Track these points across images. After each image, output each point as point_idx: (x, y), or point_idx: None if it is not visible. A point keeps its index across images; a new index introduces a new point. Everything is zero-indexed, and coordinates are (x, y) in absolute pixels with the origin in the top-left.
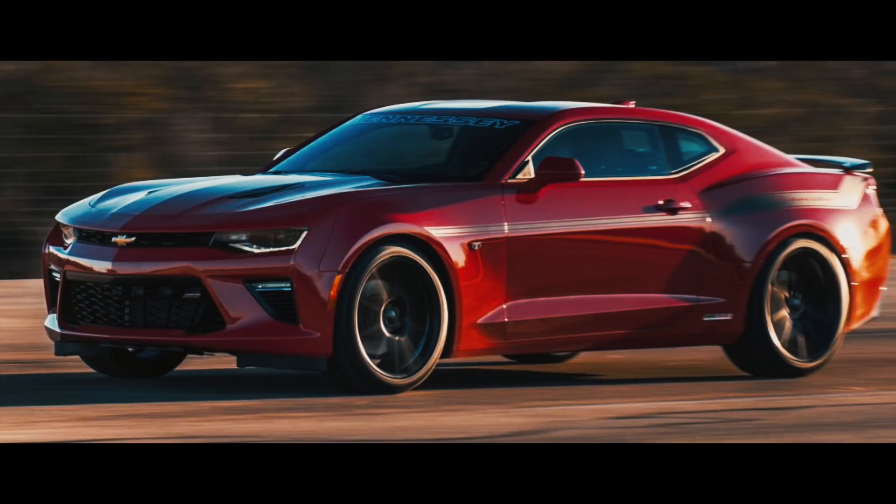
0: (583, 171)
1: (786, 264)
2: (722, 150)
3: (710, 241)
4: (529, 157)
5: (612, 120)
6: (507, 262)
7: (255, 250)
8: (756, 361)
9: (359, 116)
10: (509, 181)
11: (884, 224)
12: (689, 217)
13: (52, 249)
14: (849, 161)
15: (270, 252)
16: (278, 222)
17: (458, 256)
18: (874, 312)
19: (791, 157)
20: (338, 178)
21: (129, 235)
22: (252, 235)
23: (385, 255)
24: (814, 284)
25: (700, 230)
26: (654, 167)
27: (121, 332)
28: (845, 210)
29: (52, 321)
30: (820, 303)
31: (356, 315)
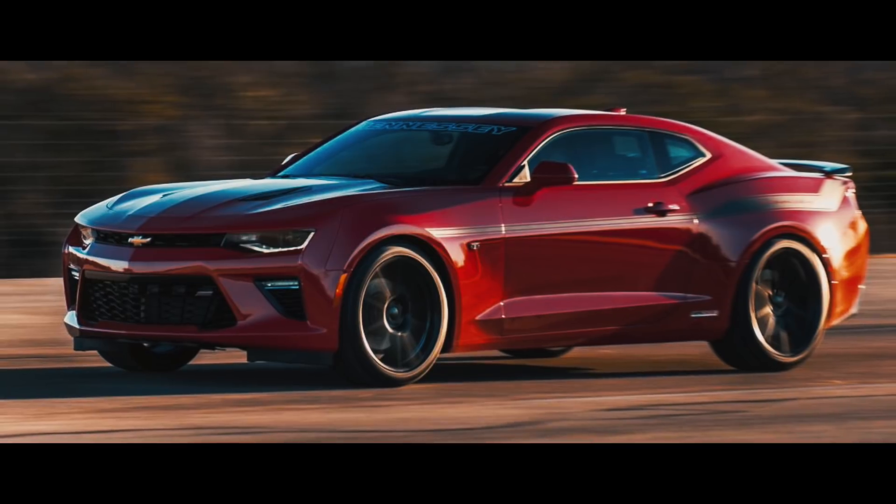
0: (576, 175)
1: (769, 264)
2: (708, 155)
3: (697, 241)
4: (525, 162)
5: (604, 126)
6: (505, 262)
7: (265, 250)
8: (741, 356)
9: (363, 123)
10: (506, 185)
11: (862, 225)
12: (677, 219)
13: (71, 249)
14: (829, 165)
15: (279, 252)
16: (286, 224)
17: (457, 256)
18: (853, 310)
19: (774, 162)
20: (343, 181)
21: (144, 236)
22: (262, 236)
23: (388, 254)
24: (796, 283)
25: (687, 231)
26: (644, 171)
27: (137, 328)
28: (826, 212)
29: (71, 318)
30: (802, 300)
31: (360, 312)
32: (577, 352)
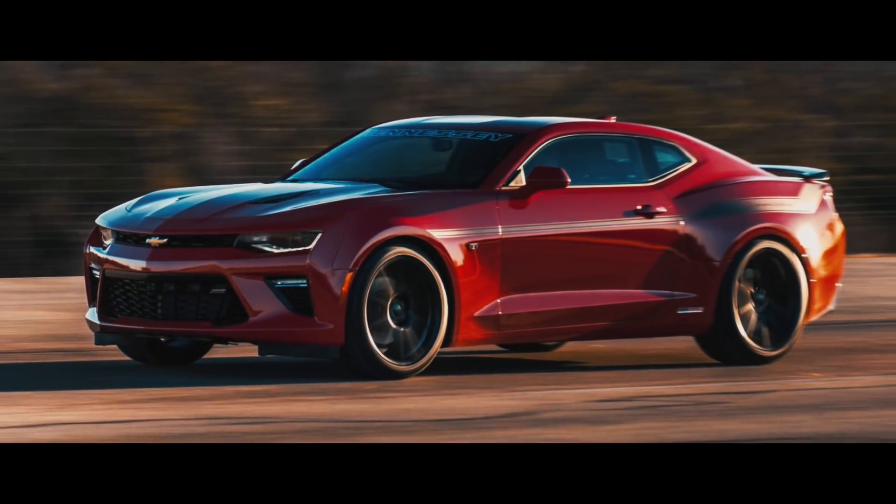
0: (569, 180)
1: (751, 263)
2: (694, 161)
3: (683, 242)
4: (521, 167)
5: (595, 133)
6: (501, 261)
7: (275, 250)
8: (725, 350)
9: (368, 130)
10: (503, 188)
11: (839, 227)
12: (664, 221)
13: (92, 250)
14: (808, 170)
15: (288, 252)
16: (295, 225)
17: (457, 256)
18: (831, 306)
19: (756, 167)
20: (349, 185)
21: (161, 237)
22: (272, 237)
23: (391, 254)
24: (776, 281)
25: (674, 232)
26: (633, 176)
27: (154, 324)
28: (805, 214)
29: (92, 314)
30: (782, 298)
31: (365, 308)
32: (570, 346)
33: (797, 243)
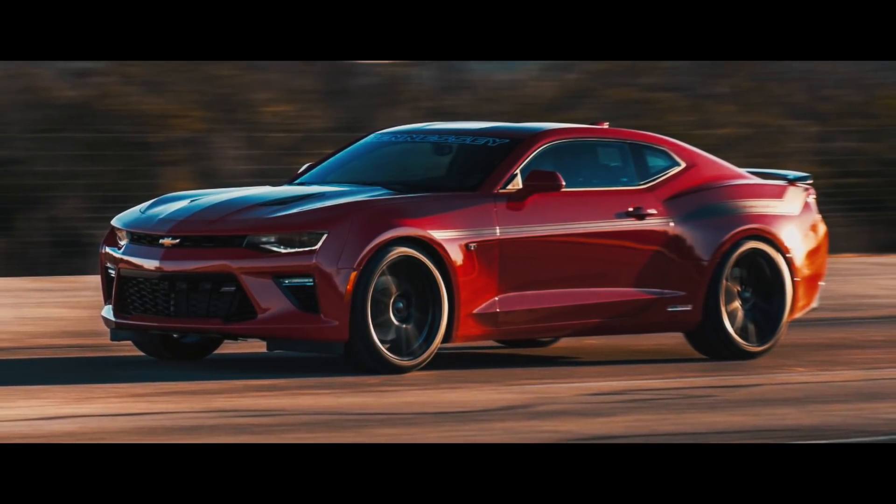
0: (564, 183)
1: (738, 262)
2: (683, 165)
3: (672, 242)
4: (518, 171)
5: (588, 139)
6: (499, 261)
7: (283, 250)
8: (712, 346)
9: (371, 135)
10: (500, 191)
11: (822, 228)
12: (654, 222)
13: (107, 250)
14: (792, 174)
15: (295, 252)
16: (302, 226)
17: (456, 256)
18: (814, 304)
19: (742, 171)
20: (353, 188)
21: (174, 238)
22: (280, 237)
23: (394, 254)
24: (762, 280)
25: (664, 233)
26: (625, 179)
27: (167, 321)
28: (789, 216)
29: (107, 311)
30: (767, 296)
31: (369, 306)
32: (565, 342)
33: (782, 244)
